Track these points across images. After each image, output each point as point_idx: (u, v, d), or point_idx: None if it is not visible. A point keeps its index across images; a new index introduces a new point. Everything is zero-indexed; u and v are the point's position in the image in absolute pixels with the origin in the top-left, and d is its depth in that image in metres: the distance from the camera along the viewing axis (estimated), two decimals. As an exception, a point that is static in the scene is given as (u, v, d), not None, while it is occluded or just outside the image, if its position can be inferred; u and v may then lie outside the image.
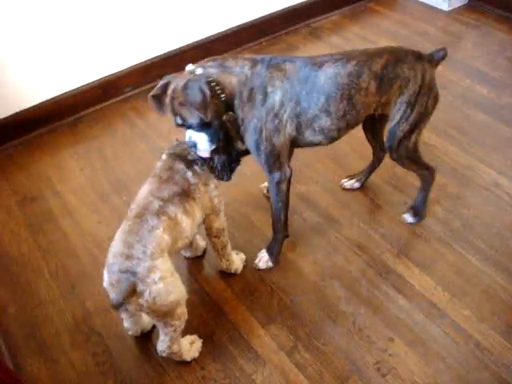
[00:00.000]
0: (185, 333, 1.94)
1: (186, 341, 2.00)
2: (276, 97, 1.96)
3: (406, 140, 2.13)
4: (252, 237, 2.42)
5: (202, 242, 2.35)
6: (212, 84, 1.88)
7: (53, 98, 3.12)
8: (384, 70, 2.00)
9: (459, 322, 2.04)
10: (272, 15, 3.72)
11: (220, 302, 2.18)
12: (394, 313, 2.09)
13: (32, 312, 2.21)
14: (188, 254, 2.34)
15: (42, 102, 3.09)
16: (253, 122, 1.98)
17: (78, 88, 3.19)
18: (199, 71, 1.91)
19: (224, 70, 1.93)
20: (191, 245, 2.29)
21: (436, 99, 2.13)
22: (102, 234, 2.48)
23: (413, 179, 2.58)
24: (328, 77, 1.97)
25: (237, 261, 2.27)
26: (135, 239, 1.77)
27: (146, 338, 2.07)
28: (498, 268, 2.20)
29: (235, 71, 1.95)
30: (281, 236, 2.26)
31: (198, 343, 2.04)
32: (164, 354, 1.94)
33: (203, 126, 1.91)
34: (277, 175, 2.08)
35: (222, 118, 1.93)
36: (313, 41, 3.74)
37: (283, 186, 2.11)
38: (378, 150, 2.46)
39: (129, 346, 2.07)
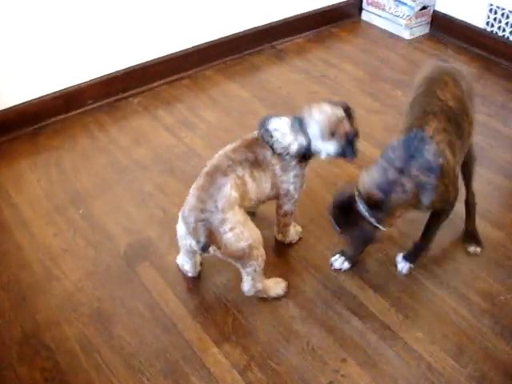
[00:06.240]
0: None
1: (270, 281, 2.23)
2: None
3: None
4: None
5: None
6: None
7: (13, 107, 3.07)
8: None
9: (411, 343, 2.06)
10: (237, 35, 3.75)
11: (174, 318, 2.16)
12: (347, 333, 2.11)
13: (-20, 324, 2.16)
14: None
15: (2, 110, 3.04)
16: None
17: (39, 97, 3.14)
18: None
19: None
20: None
21: None
22: (57, 246, 2.45)
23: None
24: None
25: (293, 234, 2.45)
26: (207, 196, 2.00)
27: (97, 354, 2.04)
28: (450, 291, 2.24)
29: None
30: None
31: (283, 284, 2.25)
32: (250, 293, 2.18)
33: None
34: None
35: None
36: (276, 62, 3.79)
37: None
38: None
39: (79, 362, 2.02)
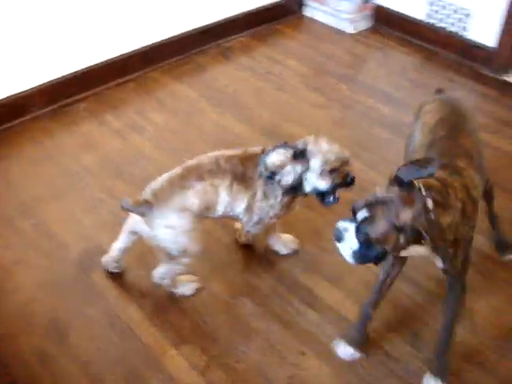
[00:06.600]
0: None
1: (183, 279, 2.22)
2: None
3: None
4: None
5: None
6: None
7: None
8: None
9: (369, 333, 2.10)
10: (182, 35, 3.73)
11: (130, 323, 2.15)
12: (304, 327, 2.13)
13: None
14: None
15: None
16: None
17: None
18: None
19: None
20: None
21: None
22: (6, 258, 2.40)
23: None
24: None
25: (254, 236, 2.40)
26: (168, 188, 2.00)
27: (55, 365, 2.01)
28: (403, 278, 2.26)
29: None
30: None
31: (194, 285, 2.24)
32: (156, 281, 2.17)
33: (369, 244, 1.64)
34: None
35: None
36: (222, 61, 3.79)
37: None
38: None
39: (37, 375, 1.99)
